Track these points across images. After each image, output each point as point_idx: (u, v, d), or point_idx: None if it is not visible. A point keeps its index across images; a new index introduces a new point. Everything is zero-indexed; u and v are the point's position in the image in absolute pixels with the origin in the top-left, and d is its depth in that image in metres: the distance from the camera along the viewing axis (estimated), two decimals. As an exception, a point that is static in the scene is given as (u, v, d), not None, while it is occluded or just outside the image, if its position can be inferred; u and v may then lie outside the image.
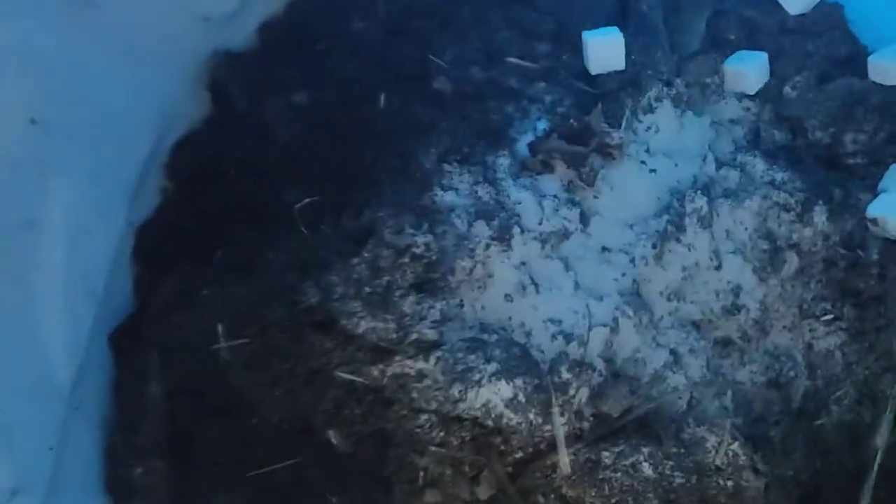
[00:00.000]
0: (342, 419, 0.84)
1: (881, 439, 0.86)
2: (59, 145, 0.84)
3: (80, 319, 0.89)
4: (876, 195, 0.94)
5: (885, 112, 0.96)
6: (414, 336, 0.77)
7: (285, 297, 0.85)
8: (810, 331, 0.89)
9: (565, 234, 0.83)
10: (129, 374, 0.92)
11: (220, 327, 0.83)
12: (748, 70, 0.97)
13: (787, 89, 0.98)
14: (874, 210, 0.91)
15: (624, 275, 0.82)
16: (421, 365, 0.77)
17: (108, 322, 0.95)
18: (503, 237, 0.80)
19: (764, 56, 0.98)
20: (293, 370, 0.84)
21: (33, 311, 0.84)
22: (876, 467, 0.85)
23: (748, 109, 0.99)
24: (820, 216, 0.89)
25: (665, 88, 0.94)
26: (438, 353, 0.77)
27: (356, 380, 0.81)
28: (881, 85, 0.96)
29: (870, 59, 0.95)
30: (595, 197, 0.85)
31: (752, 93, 0.98)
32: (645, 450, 0.73)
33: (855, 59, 1.00)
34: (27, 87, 0.80)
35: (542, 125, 0.90)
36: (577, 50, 0.96)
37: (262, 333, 0.84)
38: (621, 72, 0.94)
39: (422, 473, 0.79)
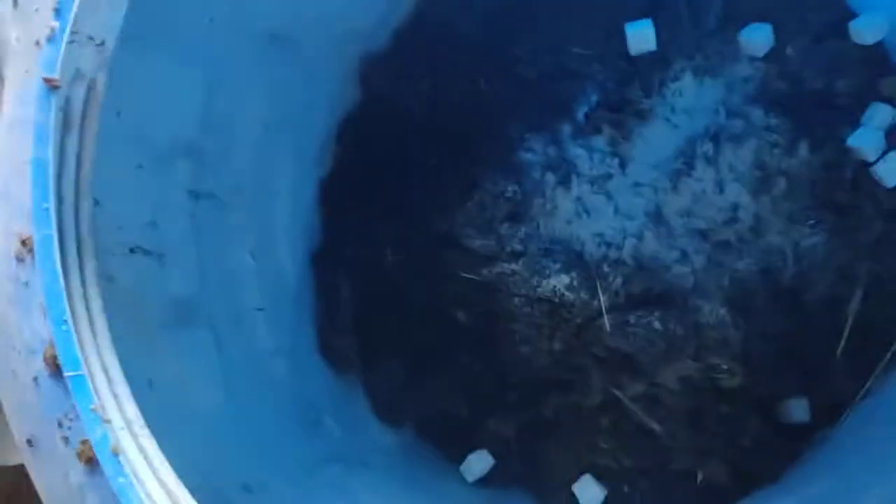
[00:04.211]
0: (465, 304, 1.13)
1: (853, 307, 1.09)
2: (280, 137, 1.07)
3: (299, 248, 1.15)
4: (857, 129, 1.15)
5: (865, 63, 1.18)
6: (508, 249, 1.08)
7: (426, 228, 1.14)
8: (798, 233, 1.11)
9: (609, 177, 1.09)
10: (327, 282, 1.17)
11: (388, 250, 1.15)
12: (757, 38, 1.18)
13: (788, 50, 1.20)
14: (852, 141, 1.15)
15: (649, 201, 1.08)
16: (513, 266, 1.08)
17: (309, 247, 1.19)
18: (565, 182, 1.09)
19: (769, 26, 1.19)
20: (433, 273, 1.13)
21: (274, 248, 1.09)
22: (848, 326, 1.08)
23: (758, 69, 1.20)
24: (803, 149, 1.14)
25: (688, 61, 1.18)
26: (524, 259, 1.07)
27: (473, 278, 1.12)
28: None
29: (850, 24, 1.16)
30: (631, 148, 1.10)
31: (761, 55, 1.19)
32: (656, 314, 1.05)
33: (842, 23, 1.18)
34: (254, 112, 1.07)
35: (594, 98, 1.13)
36: (622, 37, 1.18)
37: (413, 252, 1.14)
38: (654, 52, 1.17)
39: (517, 335, 1.10)
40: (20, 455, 1.26)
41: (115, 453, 0.53)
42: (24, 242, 0.61)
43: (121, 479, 0.53)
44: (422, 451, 1.18)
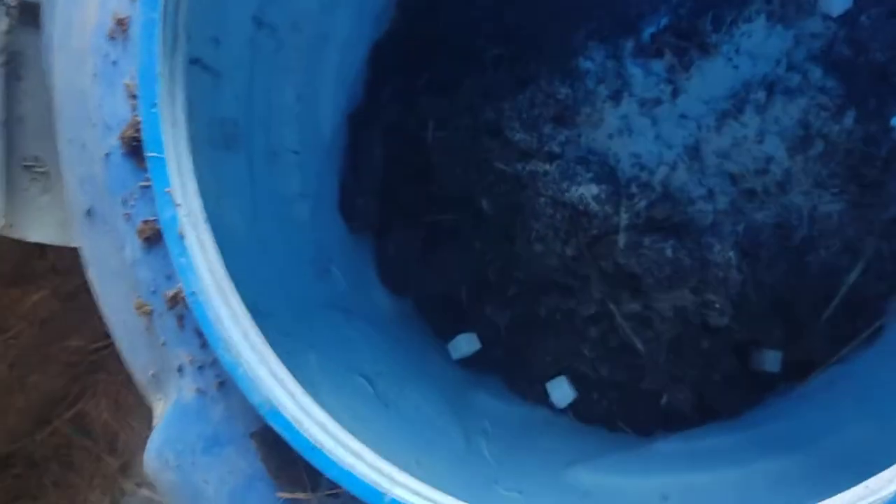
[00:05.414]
0: (493, 193, 1.16)
1: (850, 277, 1.13)
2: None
3: (340, 102, 1.18)
4: (905, 109, 1.17)
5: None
6: (546, 148, 1.11)
7: (472, 112, 1.15)
8: (819, 197, 1.14)
9: (658, 102, 1.12)
10: (360, 141, 1.20)
11: (430, 123, 1.17)
12: (836, -2, 1.17)
13: (863, 17, 1.20)
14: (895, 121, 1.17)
15: (690, 135, 1.12)
16: (547, 167, 1.12)
17: (349, 105, 1.23)
18: (616, 97, 1.12)
19: (851, -12, 1.19)
20: (469, 157, 1.16)
21: (317, 95, 1.13)
22: (840, 295, 1.13)
23: (829, 28, 1.21)
24: (849, 118, 1.17)
25: (765, 5, 1.18)
26: (559, 161, 1.11)
27: (506, 169, 1.15)
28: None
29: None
30: (687, 79, 1.13)
31: (836, 15, 1.20)
32: (670, 241, 1.10)
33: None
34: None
35: (664, 21, 1.13)
36: (705, -36, 1.17)
37: (455, 131, 1.16)
38: (736, -12, 1.16)
39: (534, 232, 1.14)
40: (36, 234, 1.31)
41: (181, 235, 0.58)
42: (119, 22, 0.63)
43: (182, 259, 0.57)
44: (415, 322, 1.24)
